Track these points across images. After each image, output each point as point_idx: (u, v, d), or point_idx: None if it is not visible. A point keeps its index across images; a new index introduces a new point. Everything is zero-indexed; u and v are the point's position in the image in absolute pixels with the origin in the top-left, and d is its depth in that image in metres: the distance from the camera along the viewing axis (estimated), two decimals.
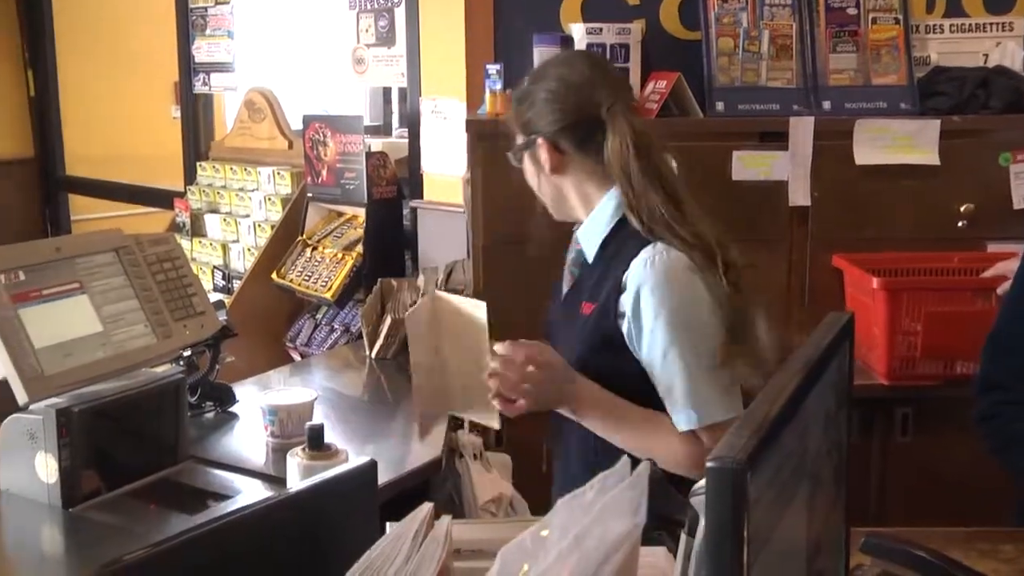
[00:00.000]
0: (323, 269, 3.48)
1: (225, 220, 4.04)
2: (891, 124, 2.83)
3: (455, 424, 1.90)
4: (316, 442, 1.71)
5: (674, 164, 2.39)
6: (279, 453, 2.20)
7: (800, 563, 0.92)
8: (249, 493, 2.03)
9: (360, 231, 3.49)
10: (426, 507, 0.77)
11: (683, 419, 1.63)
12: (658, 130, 2.86)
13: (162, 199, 4.51)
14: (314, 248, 3.58)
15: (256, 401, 2.44)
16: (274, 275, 3.61)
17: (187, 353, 2.37)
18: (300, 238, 3.64)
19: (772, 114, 2.91)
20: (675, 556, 1.25)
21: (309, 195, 3.66)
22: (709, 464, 0.70)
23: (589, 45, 2.96)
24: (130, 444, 2.08)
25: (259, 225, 3.88)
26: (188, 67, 4.28)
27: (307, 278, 3.50)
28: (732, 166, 2.84)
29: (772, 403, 0.81)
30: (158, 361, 2.18)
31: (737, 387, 1.66)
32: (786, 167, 2.84)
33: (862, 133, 2.82)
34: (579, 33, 2.98)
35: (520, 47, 3.00)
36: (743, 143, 2.86)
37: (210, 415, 2.48)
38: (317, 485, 1.08)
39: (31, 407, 1.91)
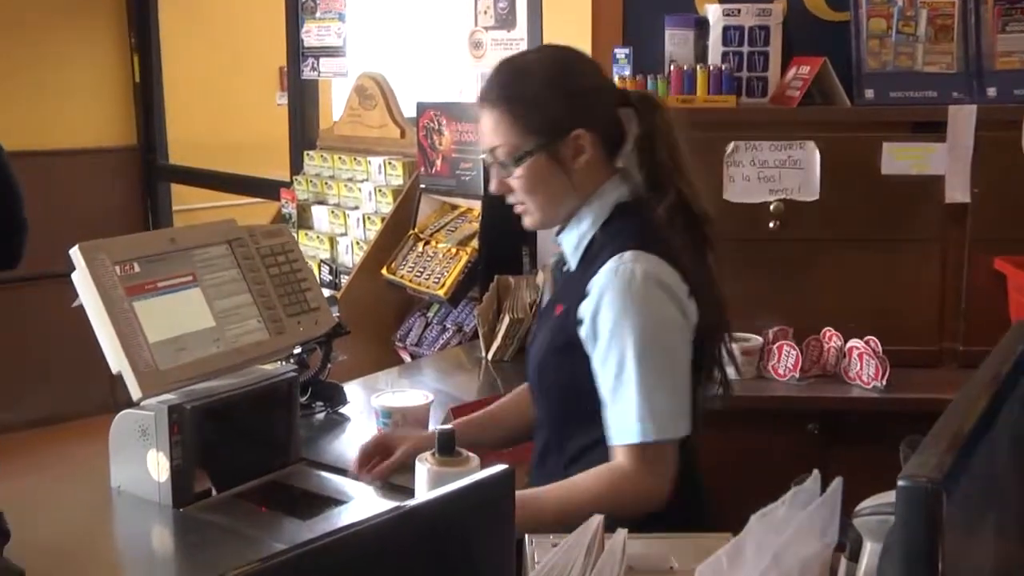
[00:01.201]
0: (436, 265, 3.51)
1: (333, 212, 4.11)
2: None
3: None
4: (447, 447, 1.70)
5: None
6: None
7: None
8: (362, 499, 2.06)
9: (475, 225, 3.50)
10: (596, 519, 0.77)
11: (635, 431, 1.66)
12: (794, 118, 2.83)
13: (267, 189, 4.62)
14: (426, 242, 3.61)
15: (364, 402, 2.47)
16: (384, 270, 3.65)
17: (298, 350, 2.42)
18: (412, 232, 3.68)
19: (928, 102, 2.85)
20: None
21: (422, 186, 3.69)
22: (901, 483, 0.68)
23: (726, 28, 2.93)
24: (241, 444, 2.12)
25: (369, 217, 3.94)
26: (296, 52, 4.36)
27: (419, 274, 3.53)
28: (882, 158, 2.80)
29: (964, 418, 0.78)
30: (271, 358, 2.23)
31: (688, 409, 1.72)
32: (943, 160, 2.78)
33: None
34: (715, 15, 2.94)
35: (651, 30, 2.98)
36: (894, 134, 2.81)
37: (320, 415, 2.52)
38: (452, 494, 1.07)
39: (142, 403, 1.97)
